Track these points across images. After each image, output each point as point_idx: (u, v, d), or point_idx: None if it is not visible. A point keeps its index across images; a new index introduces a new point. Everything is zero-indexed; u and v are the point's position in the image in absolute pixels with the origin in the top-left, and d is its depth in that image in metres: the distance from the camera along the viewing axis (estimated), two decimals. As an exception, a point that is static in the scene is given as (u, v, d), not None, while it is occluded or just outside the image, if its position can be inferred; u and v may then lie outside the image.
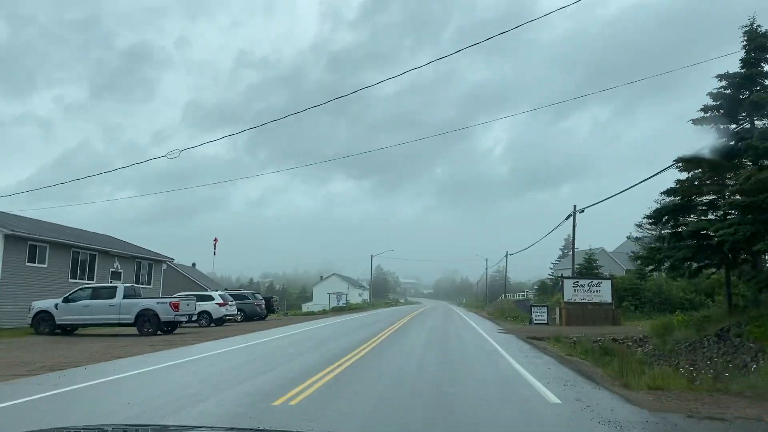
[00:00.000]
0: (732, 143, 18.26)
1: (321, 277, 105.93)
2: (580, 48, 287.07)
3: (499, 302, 68.08)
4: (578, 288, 30.14)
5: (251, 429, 4.60)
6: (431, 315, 46.29)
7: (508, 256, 69.07)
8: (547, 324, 30.00)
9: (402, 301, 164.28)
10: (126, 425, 3.84)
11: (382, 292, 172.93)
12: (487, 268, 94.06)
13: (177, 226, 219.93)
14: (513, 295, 77.53)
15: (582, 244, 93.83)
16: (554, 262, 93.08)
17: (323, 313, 57.67)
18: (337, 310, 65.44)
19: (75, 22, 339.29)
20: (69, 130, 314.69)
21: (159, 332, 21.17)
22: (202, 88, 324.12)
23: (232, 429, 3.49)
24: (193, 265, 70.75)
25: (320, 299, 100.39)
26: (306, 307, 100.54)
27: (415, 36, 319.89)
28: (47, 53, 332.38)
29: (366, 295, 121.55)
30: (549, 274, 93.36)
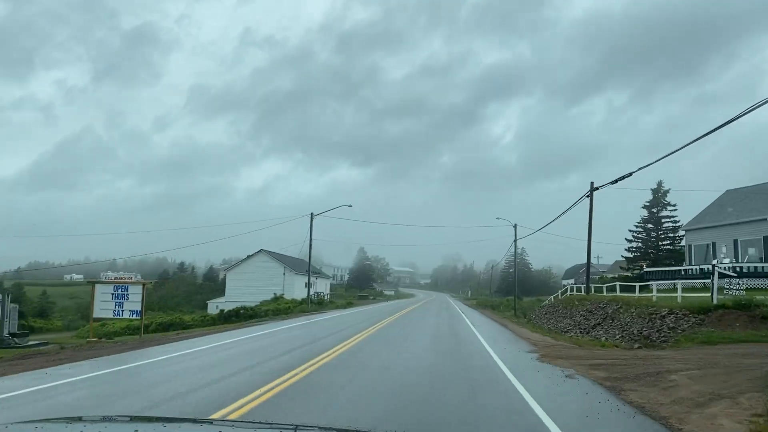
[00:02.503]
0: None
1: (247, 256, 65.77)
2: (601, 28, 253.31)
3: (584, 305, 27.45)
4: None
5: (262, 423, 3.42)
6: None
7: (594, 190, 28.67)
8: None
9: (389, 293, 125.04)
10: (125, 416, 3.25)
11: (365, 281, 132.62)
12: (516, 240, 54.20)
13: (180, 216, 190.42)
14: (568, 288, 36.33)
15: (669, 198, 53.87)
16: (636, 227, 53.08)
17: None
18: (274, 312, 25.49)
19: (77, 1, 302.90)
20: (71, 115, 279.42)
21: None
22: (207, 73, 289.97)
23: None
24: None
25: (234, 293, 60.30)
26: (214, 306, 60.81)
27: (429, 13, 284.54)
28: (48, 34, 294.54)
29: (328, 287, 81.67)
30: (631, 247, 53.27)
